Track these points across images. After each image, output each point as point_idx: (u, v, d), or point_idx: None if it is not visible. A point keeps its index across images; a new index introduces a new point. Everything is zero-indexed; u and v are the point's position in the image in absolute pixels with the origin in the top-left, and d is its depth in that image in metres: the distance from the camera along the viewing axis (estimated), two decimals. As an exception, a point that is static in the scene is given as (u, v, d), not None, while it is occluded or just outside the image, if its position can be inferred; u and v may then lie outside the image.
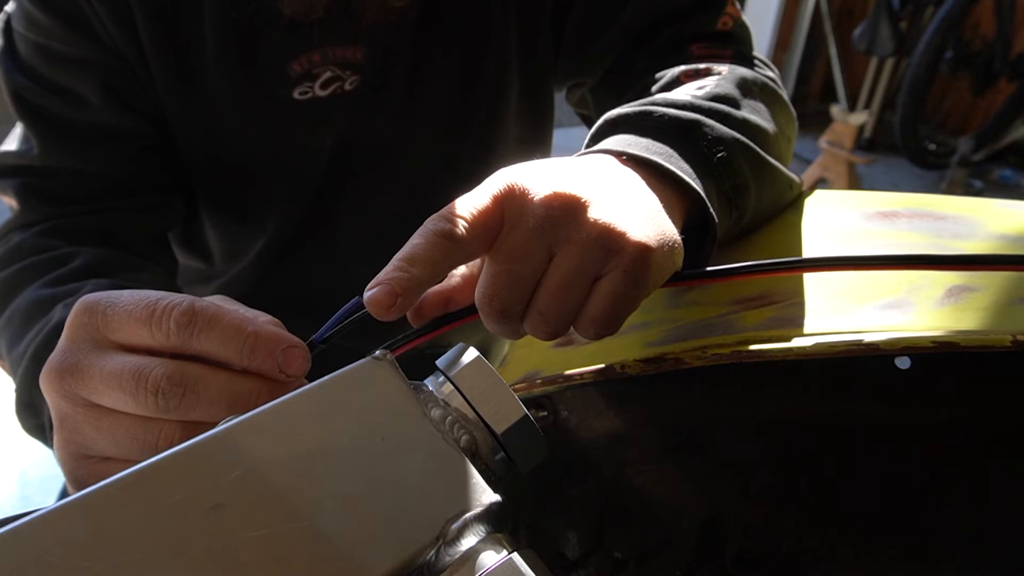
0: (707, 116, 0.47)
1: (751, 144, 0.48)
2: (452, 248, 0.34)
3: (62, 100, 0.58)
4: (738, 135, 0.47)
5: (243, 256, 0.71)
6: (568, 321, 0.35)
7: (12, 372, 0.50)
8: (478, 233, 0.35)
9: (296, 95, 0.61)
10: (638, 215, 0.37)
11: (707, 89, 0.53)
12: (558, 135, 0.79)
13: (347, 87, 0.62)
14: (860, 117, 2.65)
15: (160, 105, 0.61)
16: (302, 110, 0.61)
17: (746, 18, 0.65)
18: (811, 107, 3.26)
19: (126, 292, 0.33)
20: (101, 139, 0.59)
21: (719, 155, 0.45)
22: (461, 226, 0.34)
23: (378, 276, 0.34)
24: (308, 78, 0.60)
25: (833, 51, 2.71)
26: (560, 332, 0.36)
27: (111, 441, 0.33)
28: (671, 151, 0.44)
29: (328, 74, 0.61)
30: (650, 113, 0.47)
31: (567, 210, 0.35)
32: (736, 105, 0.51)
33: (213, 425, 0.25)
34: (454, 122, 0.67)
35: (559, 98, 0.77)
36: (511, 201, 0.35)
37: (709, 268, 0.38)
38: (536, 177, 0.36)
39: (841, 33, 2.73)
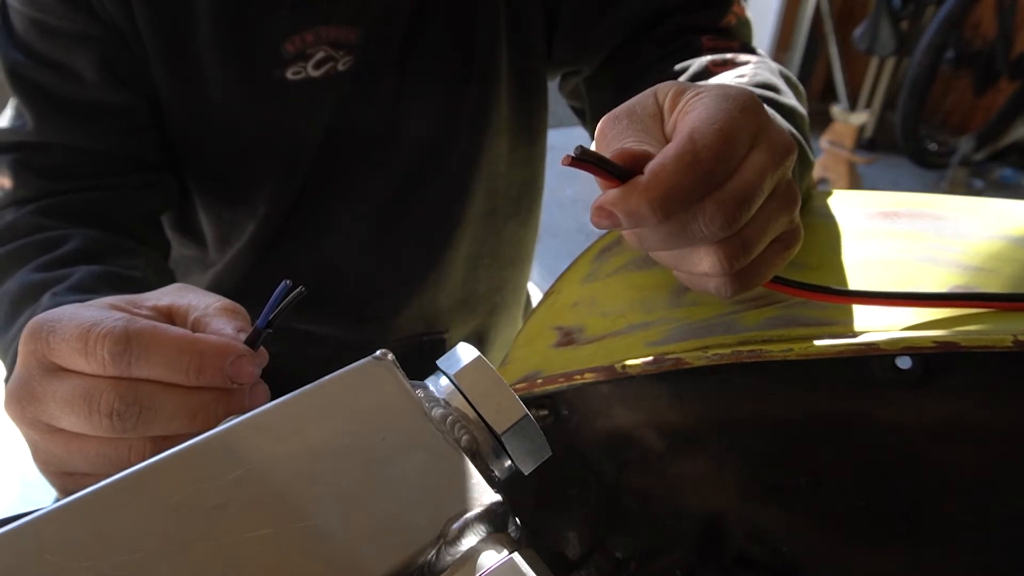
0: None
1: (797, 133, 0.48)
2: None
3: (58, 75, 0.58)
4: (788, 123, 0.47)
5: (235, 242, 0.70)
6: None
7: (3, 357, 0.50)
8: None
9: (289, 75, 0.60)
10: None
11: (747, 77, 0.52)
12: (558, 135, 0.79)
13: (340, 67, 0.61)
14: (861, 117, 2.65)
15: (155, 82, 0.61)
16: (295, 90, 0.61)
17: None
18: (812, 107, 3.23)
19: (68, 311, 0.32)
20: (96, 115, 0.59)
21: None
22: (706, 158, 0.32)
23: (624, 205, 0.32)
24: (301, 58, 0.60)
25: (834, 50, 2.70)
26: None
27: (84, 461, 0.33)
28: None
29: (321, 54, 0.60)
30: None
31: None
32: (779, 92, 0.51)
33: (184, 437, 0.24)
34: (445, 105, 0.67)
35: (559, 97, 0.77)
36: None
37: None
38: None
39: (842, 32, 2.73)
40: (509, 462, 0.28)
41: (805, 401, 0.40)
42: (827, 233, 0.49)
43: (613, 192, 0.32)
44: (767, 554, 0.43)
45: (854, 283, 0.43)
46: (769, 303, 0.42)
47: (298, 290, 0.33)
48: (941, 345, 0.33)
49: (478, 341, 0.85)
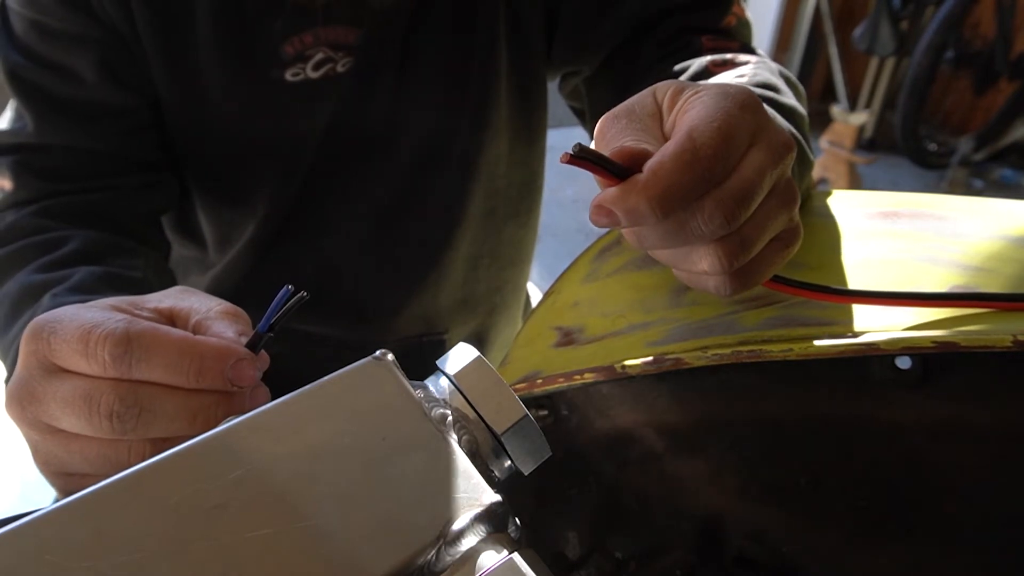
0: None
1: (796, 132, 0.48)
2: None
3: (57, 77, 0.58)
4: (788, 123, 0.47)
5: (235, 242, 0.71)
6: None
7: (3, 358, 0.50)
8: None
9: (288, 76, 0.60)
10: None
11: (747, 77, 0.52)
12: (558, 135, 0.79)
13: (339, 69, 0.61)
14: (861, 117, 2.65)
15: (154, 83, 0.61)
16: (294, 92, 0.61)
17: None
18: (812, 107, 3.23)
19: (69, 312, 0.32)
20: (96, 116, 0.59)
21: None
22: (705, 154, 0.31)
23: (624, 203, 0.31)
24: (300, 59, 0.60)
25: (833, 51, 2.71)
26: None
27: (84, 461, 0.33)
28: None
29: (320, 55, 0.60)
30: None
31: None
32: (779, 92, 0.51)
33: (184, 439, 0.25)
34: (445, 106, 0.67)
35: (559, 97, 0.77)
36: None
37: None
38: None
39: (842, 33, 2.73)
40: (509, 462, 0.28)
41: (805, 401, 0.40)
42: (827, 233, 0.49)
43: (612, 190, 0.32)
44: (767, 554, 0.43)
45: (854, 283, 0.43)
46: (769, 303, 0.42)
47: (300, 295, 0.33)
48: (941, 345, 0.33)
49: (478, 341, 0.85)
